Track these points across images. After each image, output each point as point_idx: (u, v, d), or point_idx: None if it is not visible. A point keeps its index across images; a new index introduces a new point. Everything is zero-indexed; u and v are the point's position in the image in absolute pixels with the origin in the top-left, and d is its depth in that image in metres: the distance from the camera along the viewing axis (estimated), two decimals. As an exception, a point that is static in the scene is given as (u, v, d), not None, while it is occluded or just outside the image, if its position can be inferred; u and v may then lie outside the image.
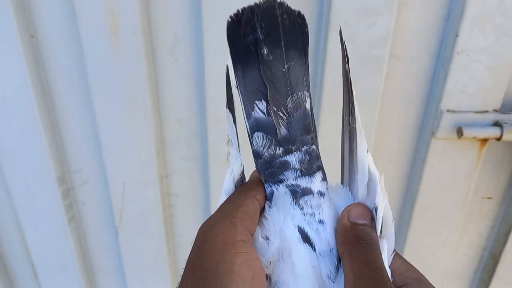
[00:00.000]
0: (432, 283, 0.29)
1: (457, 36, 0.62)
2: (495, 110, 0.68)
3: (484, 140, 0.70)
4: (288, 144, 0.31)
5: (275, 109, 0.30)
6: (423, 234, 0.81)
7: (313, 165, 0.32)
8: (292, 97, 0.31)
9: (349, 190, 0.33)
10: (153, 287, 0.95)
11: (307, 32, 0.32)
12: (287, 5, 0.31)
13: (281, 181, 0.32)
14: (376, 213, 0.31)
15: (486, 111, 0.68)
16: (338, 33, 0.33)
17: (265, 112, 0.30)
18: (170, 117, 0.76)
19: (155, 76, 0.72)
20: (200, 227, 0.29)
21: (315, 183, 0.32)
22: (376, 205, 0.31)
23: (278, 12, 0.30)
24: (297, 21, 0.31)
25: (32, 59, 0.70)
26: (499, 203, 0.80)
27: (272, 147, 0.31)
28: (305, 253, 0.30)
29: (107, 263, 0.97)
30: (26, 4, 0.66)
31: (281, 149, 0.31)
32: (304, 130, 0.32)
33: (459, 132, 0.66)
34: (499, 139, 0.66)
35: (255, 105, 0.30)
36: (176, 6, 0.66)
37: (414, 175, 0.77)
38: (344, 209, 0.31)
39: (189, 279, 0.26)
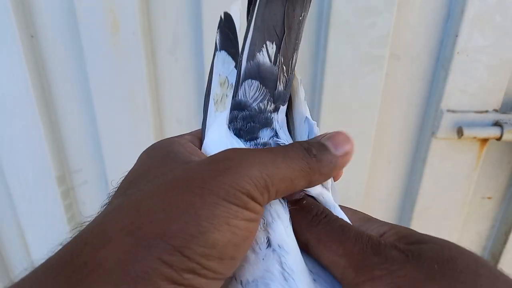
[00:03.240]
0: None
1: (457, 36, 0.62)
2: (495, 110, 0.68)
3: (484, 140, 0.70)
4: (280, 102, 0.26)
5: (283, 59, 0.25)
6: (423, 234, 0.81)
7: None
8: (295, 54, 0.25)
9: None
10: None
11: None
12: None
13: (255, 139, 0.26)
14: None
15: (486, 111, 0.68)
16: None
17: (272, 59, 0.25)
18: (170, 117, 0.76)
19: (155, 76, 0.72)
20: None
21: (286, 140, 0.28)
22: None
23: None
24: None
25: (32, 59, 0.70)
26: (498, 203, 0.80)
27: (265, 102, 0.26)
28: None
29: (107, 263, 0.96)
30: (26, 4, 0.66)
31: (273, 106, 0.26)
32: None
33: (459, 132, 0.66)
34: (499, 139, 0.66)
35: (265, 45, 0.24)
36: (176, 6, 0.66)
37: (414, 175, 0.77)
38: None
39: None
